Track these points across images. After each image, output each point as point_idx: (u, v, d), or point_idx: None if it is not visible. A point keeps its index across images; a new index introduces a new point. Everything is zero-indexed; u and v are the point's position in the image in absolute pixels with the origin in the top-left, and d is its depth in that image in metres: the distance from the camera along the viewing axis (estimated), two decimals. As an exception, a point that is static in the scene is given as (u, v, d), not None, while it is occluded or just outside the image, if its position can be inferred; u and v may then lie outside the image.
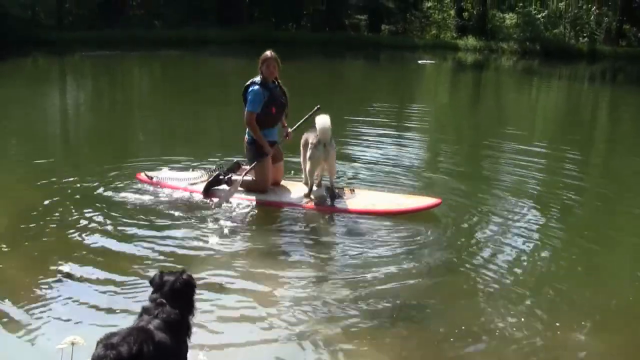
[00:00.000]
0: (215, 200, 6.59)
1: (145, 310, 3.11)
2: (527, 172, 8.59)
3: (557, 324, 4.33)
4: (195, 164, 7.94)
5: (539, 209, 6.85)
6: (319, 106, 6.83)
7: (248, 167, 6.82)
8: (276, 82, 6.78)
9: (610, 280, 5.25)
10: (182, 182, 7.04)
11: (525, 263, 5.40)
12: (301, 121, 6.94)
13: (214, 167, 7.29)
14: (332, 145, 6.58)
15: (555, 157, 10.05)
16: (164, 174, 7.24)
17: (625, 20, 39.74)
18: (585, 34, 40.76)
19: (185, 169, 7.64)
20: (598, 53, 37.05)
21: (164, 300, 3.12)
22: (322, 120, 6.45)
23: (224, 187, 6.75)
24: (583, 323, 4.39)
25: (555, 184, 8.14)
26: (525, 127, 14.11)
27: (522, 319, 4.38)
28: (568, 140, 11.45)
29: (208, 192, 6.72)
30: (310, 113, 6.82)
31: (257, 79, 6.68)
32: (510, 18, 41.83)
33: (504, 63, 33.71)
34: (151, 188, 6.99)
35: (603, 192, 8.15)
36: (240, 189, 6.77)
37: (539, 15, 40.16)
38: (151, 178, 7.11)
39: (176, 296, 3.16)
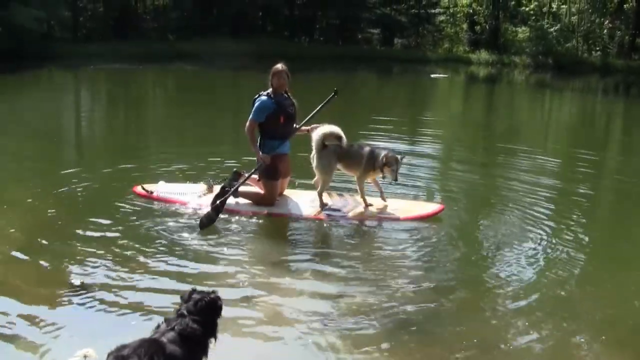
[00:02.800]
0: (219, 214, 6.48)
1: (165, 321, 3.12)
2: (540, 182, 8.53)
3: (571, 340, 4.28)
4: (198, 175, 7.92)
5: (552, 220, 6.78)
6: (335, 89, 6.81)
7: (247, 175, 6.77)
8: (285, 94, 6.78)
9: (624, 295, 5.16)
10: (183, 196, 6.95)
11: (537, 276, 5.32)
12: (318, 108, 6.78)
13: (210, 179, 7.26)
14: (320, 155, 6.71)
15: (569, 167, 10.03)
16: (162, 187, 7.14)
17: (638, 34, 39.58)
18: (597, 48, 40.64)
19: (183, 181, 7.58)
20: (611, 67, 36.90)
21: (185, 312, 3.12)
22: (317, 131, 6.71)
23: (232, 200, 6.70)
24: (602, 338, 4.32)
25: (568, 194, 8.09)
26: (538, 138, 14.11)
27: (534, 333, 4.32)
28: (581, 151, 11.37)
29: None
30: (327, 99, 6.77)
31: (266, 91, 6.69)
32: (522, 32, 41.84)
33: (517, 77, 33.67)
34: (158, 202, 6.92)
35: (617, 204, 8.12)
36: (246, 201, 6.78)
37: (552, 29, 40.13)
38: (151, 193, 7.00)
39: (199, 314, 3.15)
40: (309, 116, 6.78)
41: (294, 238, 6.16)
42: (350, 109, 15.96)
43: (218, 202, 6.46)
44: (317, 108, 6.76)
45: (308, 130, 6.82)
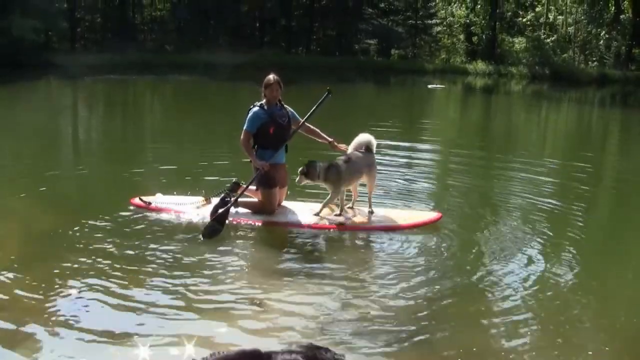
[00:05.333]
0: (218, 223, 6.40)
1: None
2: (537, 189, 8.50)
3: (569, 348, 4.24)
4: (195, 185, 7.88)
5: (551, 227, 6.74)
6: (328, 89, 6.84)
7: (247, 184, 6.75)
8: (279, 104, 6.78)
9: (623, 303, 5.14)
10: (181, 206, 6.88)
11: (536, 284, 5.25)
12: (313, 109, 6.78)
13: (204, 190, 7.22)
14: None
15: (565, 175, 10.02)
16: (160, 198, 7.07)
17: (635, 45, 39.82)
18: (594, 58, 40.88)
19: (180, 191, 7.47)
20: (607, 77, 37.07)
21: None
22: None
23: (232, 209, 6.67)
24: (605, 348, 4.28)
25: (567, 200, 8.03)
26: (535, 145, 14.16)
27: (533, 342, 4.26)
28: (578, 159, 11.38)
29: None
30: (322, 99, 6.78)
31: (260, 102, 6.71)
32: (519, 42, 42.10)
33: (513, 87, 33.81)
34: (156, 212, 6.84)
35: (616, 209, 8.11)
36: (246, 210, 6.77)
37: (548, 40, 40.39)
38: (149, 203, 6.92)
39: None
40: (305, 118, 6.78)
41: (293, 247, 6.11)
42: (349, 117, 16.03)
43: (219, 211, 6.44)
44: (313, 109, 6.78)
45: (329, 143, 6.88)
